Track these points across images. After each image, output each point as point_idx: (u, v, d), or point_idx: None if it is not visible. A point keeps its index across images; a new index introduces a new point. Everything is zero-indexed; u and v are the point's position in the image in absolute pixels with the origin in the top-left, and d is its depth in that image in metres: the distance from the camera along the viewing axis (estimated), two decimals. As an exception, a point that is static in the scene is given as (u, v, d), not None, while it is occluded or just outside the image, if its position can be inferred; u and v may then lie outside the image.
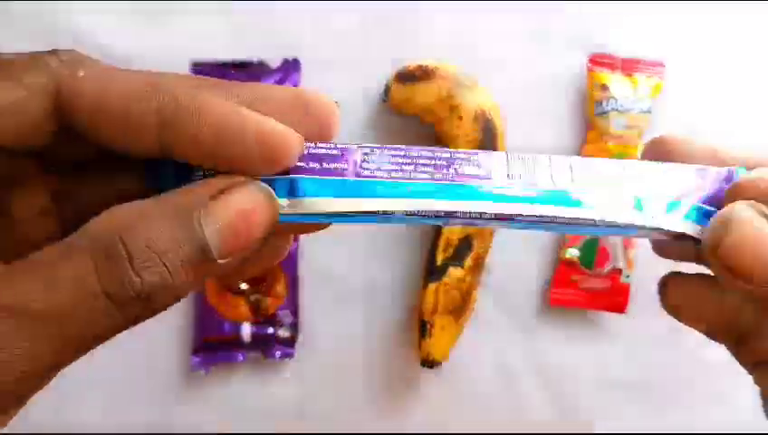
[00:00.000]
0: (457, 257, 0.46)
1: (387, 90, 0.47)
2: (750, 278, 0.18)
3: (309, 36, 0.48)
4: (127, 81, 0.17)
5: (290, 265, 0.48)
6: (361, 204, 0.19)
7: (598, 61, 0.49)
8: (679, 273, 0.23)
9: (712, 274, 0.20)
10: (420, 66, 0.46)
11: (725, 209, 0.19)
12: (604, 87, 0.48)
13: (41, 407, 0.47)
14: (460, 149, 0.21)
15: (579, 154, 0.50)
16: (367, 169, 0.20)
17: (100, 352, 0.52)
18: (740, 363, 0.23)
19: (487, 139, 0.45)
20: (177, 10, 0.47)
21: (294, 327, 0.48)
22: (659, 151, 0.22)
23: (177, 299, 0.17)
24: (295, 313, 0.48)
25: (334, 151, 0.20)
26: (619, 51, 0.49)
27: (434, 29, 0.49)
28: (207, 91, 0.18)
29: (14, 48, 0.20)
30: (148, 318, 0.17)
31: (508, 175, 0.20)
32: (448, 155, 0.21)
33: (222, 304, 0.48)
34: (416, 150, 0.21)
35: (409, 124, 0.48)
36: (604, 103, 0.48)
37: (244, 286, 0.48)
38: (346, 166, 0.20)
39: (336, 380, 0.50)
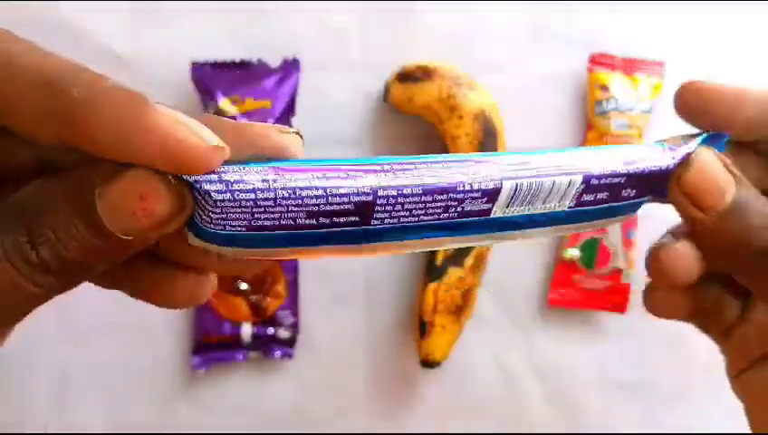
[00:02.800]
0: (457, 257, 0.46)
1: (387, 90, 0.47)
2: (702, 205, 0.21)
3: (309, 36, 0.48)
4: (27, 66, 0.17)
5: (290, 266, 0.48)
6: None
7: (598, 61, 0.49)
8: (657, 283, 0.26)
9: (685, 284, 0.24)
10: (420, 66, 0.46)
11: (695, 153, 0.23)
12: (604, 87, 0.48)
13: (41, 407, 0.47)
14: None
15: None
16: None
17: (101, 352, 0.52)
18: (708, 335, 0.26)
19: (487, 138, 0.45)
20: (177, 10, 0.47)
21: (294, 327, 0.48)
22: (690, 99, 0.25)
23: (88, 270, 0.18)
24: (295, 313, 0.48)
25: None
26: (619, 51, 0.49)
27: (434, 29, 0.49)
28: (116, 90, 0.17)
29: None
30: (66, 289, 0.18)
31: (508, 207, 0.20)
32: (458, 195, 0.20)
33: (222, 304, 0.48)
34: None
35: (409, 124, 0.48)
36: (604, 103, 0.48)
37: (244, 286, 0.48)
38: None
39: (336, 380, 0.50)
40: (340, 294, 0.49)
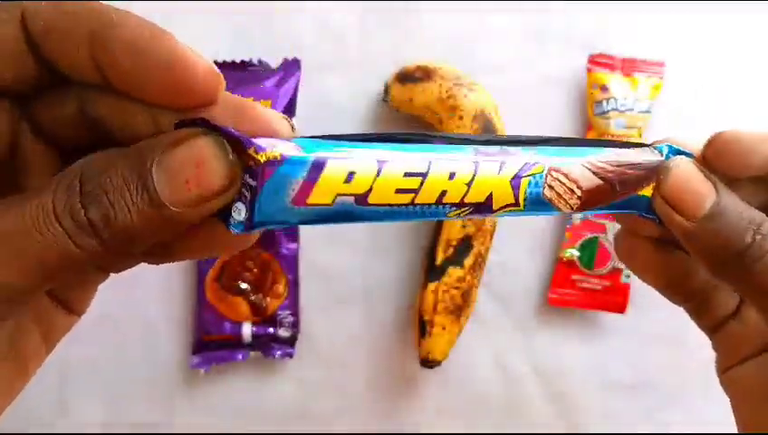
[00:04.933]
0: (457, 257, 0.46)
1: (387, 90, 0.47)
2: (684, 211, 0.22)
3: (309, 36, 0.48)
4: (77, 4, 0.18)
5: (290, 266, 0.48)
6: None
7: (598, 61, 0.49)
8: (627, 228, 0.27)
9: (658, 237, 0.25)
10: (420, 66, 0.46)
11: (671, 159, 0.23)
12: (604, 87, 0.48)
13: (41, 407, 0.47)
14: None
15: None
16: None
17: (101, 353, 0.52)
18: (700, 326, 0.26)
19: (487, 139, 0.45)
20: (177, 10, 0.47)
21: (294, 327, 0.48)
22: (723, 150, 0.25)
23: (132, 241, 0.18)
24: (295, 313, 0.48)
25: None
26: (619, 51, 0.49)
27: (434, 29, 0.49)
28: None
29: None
30: (105, 256, 0.18)
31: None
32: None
33: (222, 304, 0.48)
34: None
35: (409, 124, 0.48)
36: (604, 103, 0.48)
37: (244, 286, 0.48)
38: None
39: (336, 380, 0.50)
40: (340, 293, 0.49)
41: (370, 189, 0.19)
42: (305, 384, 0.49)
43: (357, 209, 0.19)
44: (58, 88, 0.20)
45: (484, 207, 0.21)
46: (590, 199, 0.23)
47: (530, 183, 0.21)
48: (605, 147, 0.23)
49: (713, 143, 0.25)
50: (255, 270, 0.48)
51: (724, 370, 0.26)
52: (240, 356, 0.48)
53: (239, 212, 0.19)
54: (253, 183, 0.18)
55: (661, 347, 0.50)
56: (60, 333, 0.23)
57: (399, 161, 0.20)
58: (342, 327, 0.49)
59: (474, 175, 0.21)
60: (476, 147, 0.21)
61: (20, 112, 0.20)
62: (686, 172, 0.23)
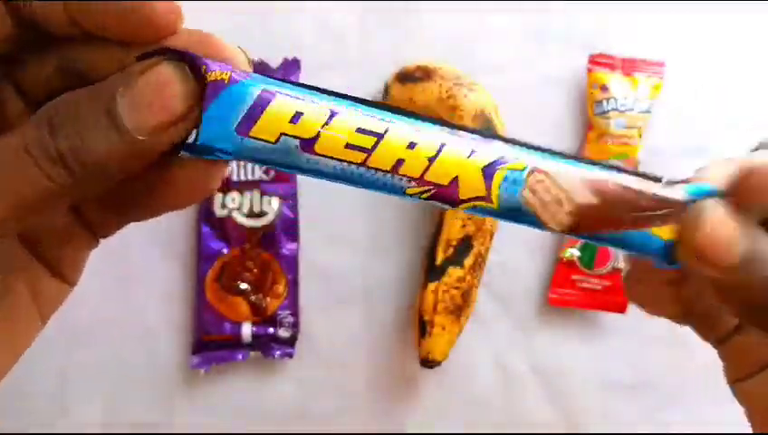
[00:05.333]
0: (457, 257, 0.46)
1: (387, 90, 0.47)
2: (715, 263, 0.20)
3: (309, 36, 0.48)
4: None
5: (290, 266, 0.48)
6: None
7: (598, 61, 0.49)
8: (639, 270, 0.25)
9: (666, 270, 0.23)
10: (420, 66, 0.46)
11: (697, 204, 0.21)
12: (604, 87, 0.48)
13: (41, 407, 0.47)
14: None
15: (579, 154, 0.50)
16: None
17: (101, 353, 0.52)
18: (704, 340, 0.25)
19: (487, 139, 0.45)
20: (177, 10, 0.47)
21: (294, 327, 0.48)
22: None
23: (102, 172, 0.19)
24: (295, 313, 0.48)
25: None
26: (619, 51, 0.49)
27: (434, 29, 0.49)
28: None
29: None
30: (78, 190, 0.19)
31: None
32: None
33: (222, 304, 0.48)
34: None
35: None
36: (604, 103, 0.48)
37: (244, 286, 0.48)
38: None
39: (336, 380, 0.50)
40: (340, 293, 0.49)
41: (318, 136, 0.19)
42: (305, 384, 0.49)
43: (302, 157, 0.19)
44: (36, 47, 0.20)
45: (449, 192, 0.19)
46: (586, 221, 0.19)
47: (506, 177, 0.19)
48: (614, 170, 0.20)
49: (746, 179, 0.22)
50: (255, 270, 0.48)
51: (733, 380, 0.25)
52: (240, 356, 0.48)
53: (190, 136, 0.19)
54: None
55: (661, 347, 0.50)
56: (52, 303, 0.23)
57: (354, 116, 0.19)
58: (342, 327, 0.49)
59: (438, 151, 0.19)
60: (449, 129, 0.19)
61: (2, 73, 0.20)
62: (718, 219, 0.20)
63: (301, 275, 0.49)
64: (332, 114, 0.19)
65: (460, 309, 0.47)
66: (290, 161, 0.19)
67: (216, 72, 0.19)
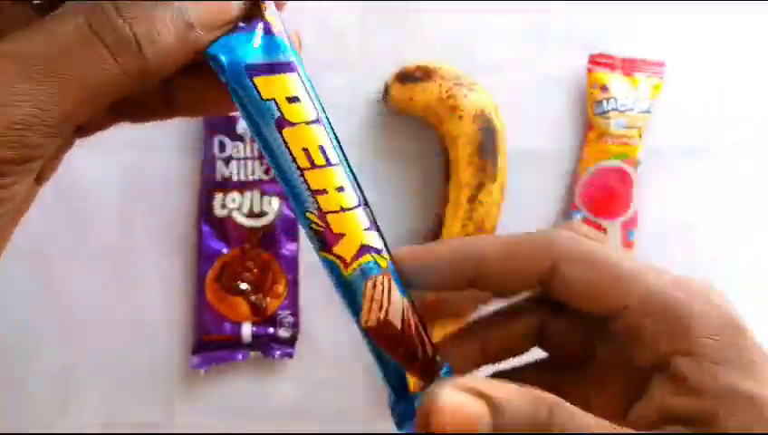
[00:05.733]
0: (457, 257, 0.46)
1: (387, 90, 0.47)
2: None
3: (309, 36, 0.48)
4: None
5: (290, 266, 0.48)
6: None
7: (598, 61, 0.49)
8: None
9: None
10: (420, 66, 0.46)
11: (433, 394, 0.20)
12: (604, 87, 0.48)
13: (41, 407, 0.47)
14: None
15: (579, 154, 0.50)
16: None
17: (101, 353, 0.52)
18: None
19: (487, 139, 0.45)
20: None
21: (294, 327, 0.48)
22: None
23: (166, 63, 0.18)
24: (295, 312, 0.48)
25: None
26: (619, 51, 0.49)
27: (434, 29, 0.49)
28: None
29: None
30: (144, 80, 0.18)
31: None
32: None
33: (222, 304, 0.48)
34: None
35: (409, 124, 0.48)
36: (604, 103, 0.48)
37: (244, 286, 0.48)
38: None
39: (336, 380, 0.50)
40: (340, 294, 0.49)
41: (294, 125, 0.20)
42: (305, 384, 0.49)
43: (270, 127, 0.20)
44: None
45: (330, 239, 0.21)
46: (381, 334, 0.23)
47: (369, 262, 0.22)
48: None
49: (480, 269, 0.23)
50: (255, 270, 0.48)
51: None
52: (240, 356, 0.48)
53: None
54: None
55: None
56: (26, 203, 0.22)
57: (326, 134, 0.21)
58: (342, 327, 0.49)
59: (351, 208, 0.21)
60: (365, 204, 0.22)
61: None
62: (451, 405, 0.20)
63: (301, 275, 0.49)
64: (316, 120, 0.21)
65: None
66: (257, 121, 0.20)
67: (272, 15, 0.21)
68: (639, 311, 0.22)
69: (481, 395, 0.20)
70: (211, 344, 0.48)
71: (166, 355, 0.48)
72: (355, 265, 0.22)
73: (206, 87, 0.22)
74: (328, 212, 0.21)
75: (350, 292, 0.22)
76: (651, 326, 0.21)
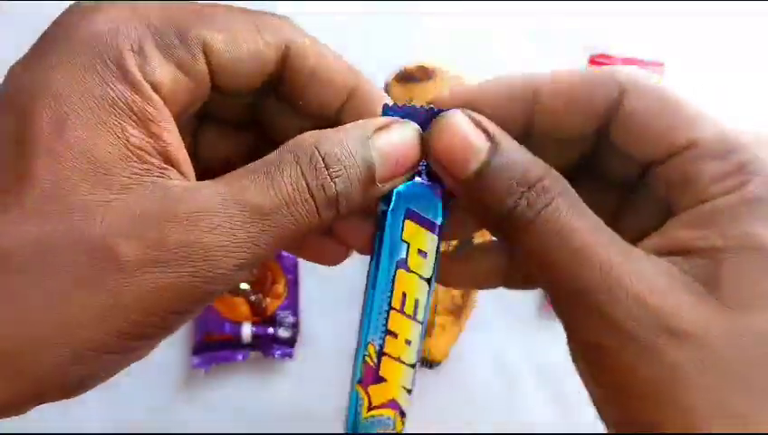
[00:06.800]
0: (457, 257, 0.46)
1: (387, 90, 0.47)
2: (452, 169, 0.21)
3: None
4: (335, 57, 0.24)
5: (290, 266, 0.48)
6: None
7: (598, 61, 0.49)
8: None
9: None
10: (420, 66, 0.46)
11: (441, 115, 0.21)
12: (604, 87, 0.48)
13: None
14: None
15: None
16: None
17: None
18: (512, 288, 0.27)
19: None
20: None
21: (294, 327, 0.48)
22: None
23: (347, 212, 0.20)
24: (295, 312, 0.48)
25: None
26: (619, 51, 0.49)
27: (434, 29, 0.49)
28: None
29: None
30: (326, 226, 0.20)
31: None
32: None
33: (222, 305, 0.48)
34: None
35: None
36: (604, 103, 0.48)
37: (244, 286, 0.48)
38: None
39: (336, 380, 0.49)
40: (340, 293, 0.49)
41: (410, 272, 0.23)
42: (305, 384, 0.49)
43: (392, 261, 0.24)
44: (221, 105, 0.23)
45: (372, 375, 0.23)
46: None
47: (389, 417, 0.23)
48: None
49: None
50: (255, 270, 0.48)
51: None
52: (240, 356, 0.48)
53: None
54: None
55: (661, 347, 0.50)
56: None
57: (427, 307, 0.23)
58: (342, 327, 0.49)
59: (407, 364, 0.23)
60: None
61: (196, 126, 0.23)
62: (455, 124, 0.20)
63: (301, 275, 0.49)
64: (428, 280, 0.23)
65: (460, 309, 0.47)
66: (385, 250, 0.23)
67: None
68: (705, 151, 0.21)
69: (486, 128, 0.20)
70: (211, 344, 0.48)
71: (166, 355, 0.48)
72: (376, 412, 0.23)
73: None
74: (386, 354, 0.23)
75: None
76: (713, 169, 0.20)
